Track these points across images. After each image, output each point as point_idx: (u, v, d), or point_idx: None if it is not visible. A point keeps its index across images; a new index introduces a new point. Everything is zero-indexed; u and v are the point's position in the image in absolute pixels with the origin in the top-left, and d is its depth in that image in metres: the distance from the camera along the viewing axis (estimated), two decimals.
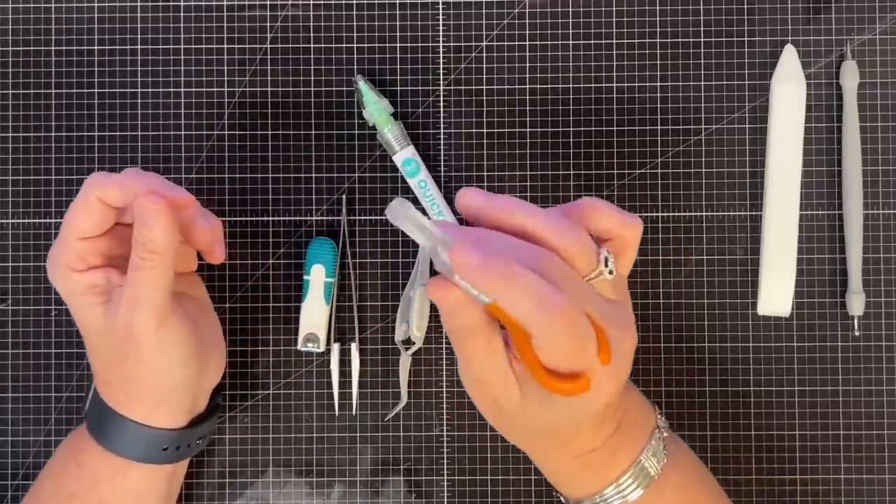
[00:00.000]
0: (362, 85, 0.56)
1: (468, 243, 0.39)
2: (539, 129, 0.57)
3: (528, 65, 0.57)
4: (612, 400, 0.44)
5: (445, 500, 0.57)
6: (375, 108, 0.55)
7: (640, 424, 0.48)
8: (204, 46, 0.58)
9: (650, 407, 0.49)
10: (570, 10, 0.58)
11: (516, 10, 0.58)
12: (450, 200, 0.56)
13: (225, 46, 0.58)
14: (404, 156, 0.56)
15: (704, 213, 0.57)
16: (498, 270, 0.39)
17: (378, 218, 0.57)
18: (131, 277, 0.46)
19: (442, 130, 0.58)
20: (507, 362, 0.44)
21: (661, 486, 0.47)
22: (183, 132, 0.58)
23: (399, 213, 0.42)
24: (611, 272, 0.43)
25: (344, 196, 0.57)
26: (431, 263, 0.57)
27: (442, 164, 0.57)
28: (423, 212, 0.51)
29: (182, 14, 0.58)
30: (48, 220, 0.57)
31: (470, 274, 0.40)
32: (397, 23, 0.58)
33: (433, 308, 0.57)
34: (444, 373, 0.57)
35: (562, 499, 0.50)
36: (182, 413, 0.50)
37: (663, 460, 0.47)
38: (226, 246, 0.51)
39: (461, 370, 0.45)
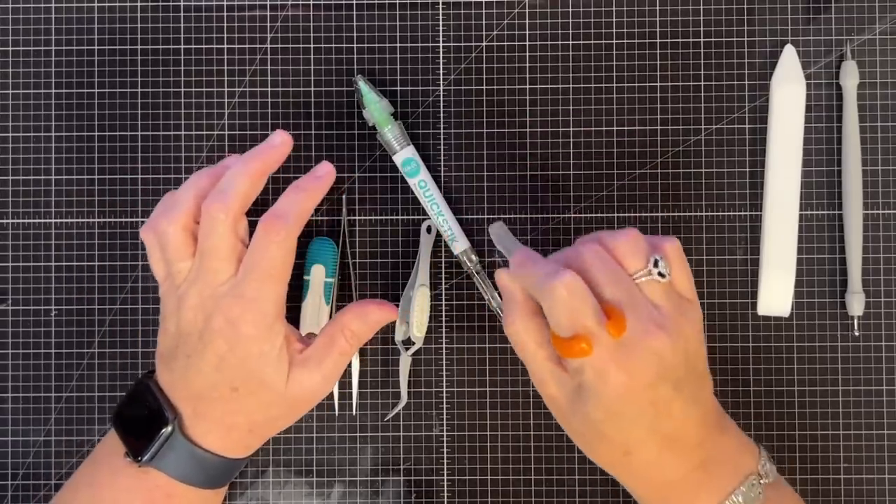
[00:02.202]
0: (362, 85, 0.56)
1: (526, 250, 0.48)
2: (539, 129, 0.57)
3: (528, 65, 0.57)
4: (631, 392, 0.44)
5: (445, 500, 0.57)
6: (375, 108, 0.55)
7: (733, 467, 0.47)
8: (204, 46, 0.58)
9: (751, 452, 0.49)
10: (570, 10, 0.58)
11: (516, 10, 0.58)
12: (450, 201, 0.56)
13: (225, 46, 0.58)
14: (404, 156, 0.56)
15: (704, 213, 0.57)
16: (529, 261, 0.47)
17: (378, 218, 0.57)
18: (337, 358, 0.49)
19: (442, 130, 0.58)
20: (559, 360, 0.47)
21: None
22: (183, 132, 0.58)
23: (498, 236, 0.51)
24: (661, 274, 0.46)
25: (344, 196, 0.57)
26: (431, 265, 0.57)
27: (442, 164, 0.57)
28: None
29: (182, 14, 0.58)
30: (48, 220, 0.57)
31: (515, 268, 0.47)
32: (397, 23, 0.58)
33: (433, 308, 0.57)
34: (444, 373, 0.57)
35: None
36: (257, 446, 0.51)
37: None
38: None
39: (529, 373, 0.49)
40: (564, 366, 0.47)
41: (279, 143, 0.49)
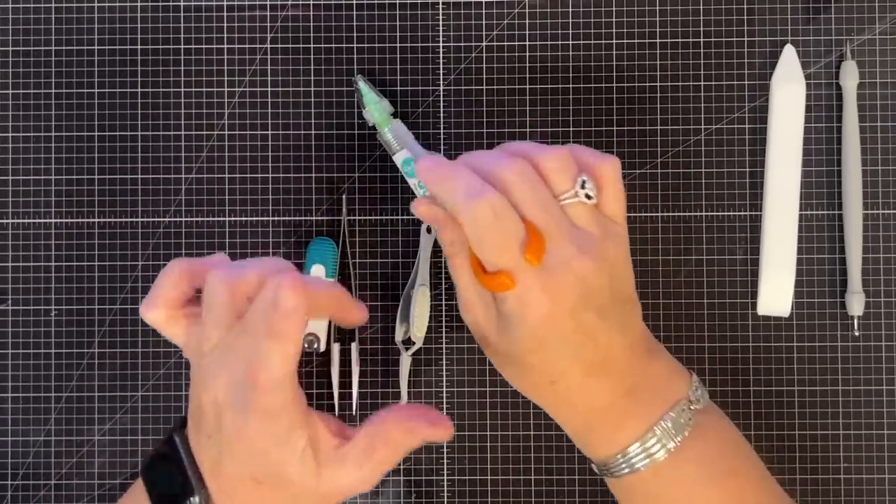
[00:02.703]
0: (362, 85, 0.56)
1: (431, 156, 0.45)
2: (539, 129, 0.57)
3: (528, 65, 0.57)
4: (555, 319, 0.43)
5: (445, 500, 0.57)
6: (375, 108, 0.55)
7: (661, 394, 0.47)
8: (204, 46, 0.58)
9: (681, 379, 0.48)
10: (570, 10, 0.58)
11: (516, 10, 0.58)
12: None
13: (225, 46, 0.58)
14: (404, 156, 0.56)
15: (704, 213, 0.57)
16: (442, 171, 0.44)
17: (378, 218, 0.57)
18: (377, 466, 0.43)
19: (442, 130, 0.58)
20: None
21: (679, 459, 0.46)
22: (183, 132, 0.58)
23: (392, 133, 0.48)
24: (588, 196, 0.44)
25: (344, 196, 0.57)
26: (431, 265, 0.57)
27: None
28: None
29: (182, 14, 0.58)
30: (48, 220, 0.57)
31: (422, 175, 0.44)
32: (397, 23, 0.58)
33: (433, 308, 0.57)
34: (444, 373, 0.57)
35: (592, 466, 0.50)
36: None
37: (684, 433, 0.46)
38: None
39: (457, 297, 0.47)
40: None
41: (359, 315, 0.45)
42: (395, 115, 0.56)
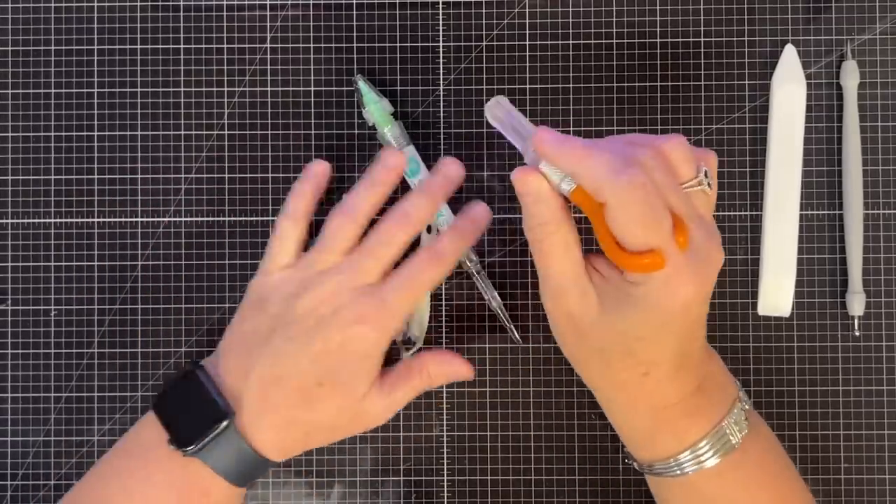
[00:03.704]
0: (362, 85, 0.56)
1: (549, 129, 0.44)
2: None
3: (528, 65, 0.57)
4: (690, 304, 0.43)
5: (445, 500, 0.57)
6: (375, 108, 0.55)
7: (723, 392, 0.47)
8: (204, 46, 0.58)
9: (733, 379, 0.49)
10: (570, 10, 0.58)
11: (516, 10, 0.58)
12: (450, 200, 0.56)
13: (225, 46, 0.58)
14: (407, 154, 0.55)
15: None
16: (575, 147, 0.43)
17: (378, 217, 0.57)
18: (407, 391, 0.50)
19: (442, 130, 0.58)
20: (585, 270, 0.45)
21: (740, 458, 0.46)
22: (183, 132, 0.58)
23: (495, 114, 0.46)
24: (710, 186, 0.44)
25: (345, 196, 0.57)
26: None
27: None
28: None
29: (182, 14, 0.58)
30: (48, 220, 0.57)
31: (548, 149, 0.43)
32: (397, 23, 0.58)
33: (433, 308, 0.57)
34: None
35: (634, 465, 0.50)
36: (295, 454, 0.51)
37: (745, 431, 0.46)
38: None
39: (541, 286, 0.47)
40: (592, 275, 0.45)
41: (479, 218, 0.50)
42: (395, 115, 0.56)
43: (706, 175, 0.44)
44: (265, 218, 0.57)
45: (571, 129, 0.57)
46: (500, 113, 0.47)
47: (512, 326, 0.56)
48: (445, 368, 0.51)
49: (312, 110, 0.58)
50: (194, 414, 0.47)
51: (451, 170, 0.49)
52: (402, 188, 0.57)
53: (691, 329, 0.45)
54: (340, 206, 0.50)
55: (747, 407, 0.48)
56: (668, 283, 0.42)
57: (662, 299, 0.43)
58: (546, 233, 0.45)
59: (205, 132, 0.58)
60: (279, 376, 0.47)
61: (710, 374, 0.47)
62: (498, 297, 0.56)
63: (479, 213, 0.49)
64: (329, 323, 0.47)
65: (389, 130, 0.56)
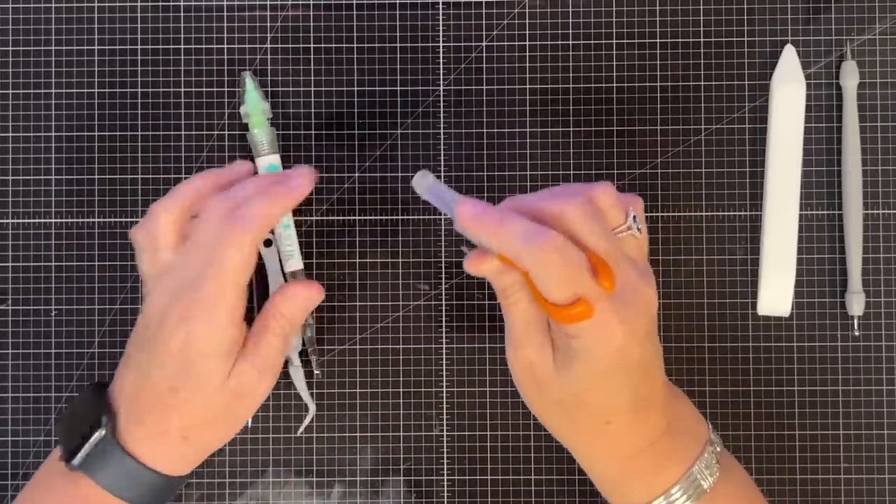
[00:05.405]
0: (249, 81, 0.55)
1: (468, 202, 0.44)
2: (539, 129, 0.57)
3: (528, 65, 0.57)
4: (624, 347, 0.43)
5: (445, 500, 0.57)
6: (254, 108, 0.54)
7: (693, 435, 0.47)
8: (204, 46, 0.58)
9: (703, 421, 0.49)
10: (570, 10, 0.58)
11: (516, 10, 0.58)
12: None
13: (225, 46, 0.58)
14: (270, 161, 0.54)
15: (704, 213, 0.57)
16: (490, 220, 0.43)
17: (378, 218, 0.57)
18: (271, 341, 0.48)
19: (442, 130, 0.58)
20: (545, 324, 0.46)
21: (712, 501, 0.46)
22: (183, 132, 0.58)
23: (422, 186, 0.46)
24: (639, 230, 0.46)
25: (345, 197, 0.57)
26: (431, 265, 0.57)
27: (442, 164, 0.57)
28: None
29: (182, 14, 0.58)
30: (48, 220, 0.57)
31: (468, 224, 0.43)
32: (397, 23, 0.58)
33: (434, 308, 0.57)
34: (444, 373, 0.57)
35: None
36: (193, 463, 0.49)
37: (716, 474, 0.46)
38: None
39: (506, 336, 0.47)
40: (552, 330, 0.46)
41: (302, 185, 0.47)
42: (270, 120, 0.55)
43: (635, 220, 0.46)
44: None
45: (571, 128, 0.57)
46: (426, 184, 0.46)
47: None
48: (296, 301, 0.48)
49: (312, 110, 0.58)
50: (76, 424, 0.47)
51: (298, 181, 0.47)
52: (404, 190, 0.57)
53: (640, 370, 0.45)
54: (169, 195, 0.49)
55: (718, 449, 0.48)
56: (600, 329, 0.43)
57: (597, 347, 0.43)
58: (510, 293, 0.46)
59: (205, 132, 0.58)
60: (140, 387, 0.47)
61: (679, 417, 0.47)
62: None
63: (298, 181, 0.47)
64: (163, 327, 0.46)
65: (259, 133, 0.54)
